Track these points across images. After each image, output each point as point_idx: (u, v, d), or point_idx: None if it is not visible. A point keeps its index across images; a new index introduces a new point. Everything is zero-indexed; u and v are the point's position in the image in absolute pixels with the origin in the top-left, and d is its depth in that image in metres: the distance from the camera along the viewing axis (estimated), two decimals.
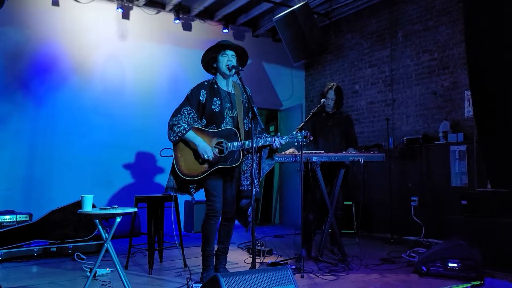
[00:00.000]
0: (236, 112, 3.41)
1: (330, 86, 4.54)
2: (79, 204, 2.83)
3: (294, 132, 3.50)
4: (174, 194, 3.41)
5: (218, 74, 3.47)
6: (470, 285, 3.28)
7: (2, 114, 5.47)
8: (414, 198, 5.56)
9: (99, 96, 6.10)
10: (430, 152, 5.51)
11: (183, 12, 6.69)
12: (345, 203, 5.47)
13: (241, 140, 3.33)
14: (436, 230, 5.23)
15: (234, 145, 3.29)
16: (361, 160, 4.15)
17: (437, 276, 3.54)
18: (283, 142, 3.40)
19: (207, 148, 3.25)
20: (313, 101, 7.68)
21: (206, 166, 3.28)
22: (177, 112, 3.32)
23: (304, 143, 3.56)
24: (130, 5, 6.42)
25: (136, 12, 6.49)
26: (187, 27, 6.90)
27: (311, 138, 3.57)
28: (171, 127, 3.29)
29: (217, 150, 3.29)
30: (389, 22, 6.46)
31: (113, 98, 6.20)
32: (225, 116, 3.37)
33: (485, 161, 4.52)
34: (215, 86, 3.42)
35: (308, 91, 7.98)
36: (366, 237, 5.81)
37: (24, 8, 5.70)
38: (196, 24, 6.98)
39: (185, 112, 3.30)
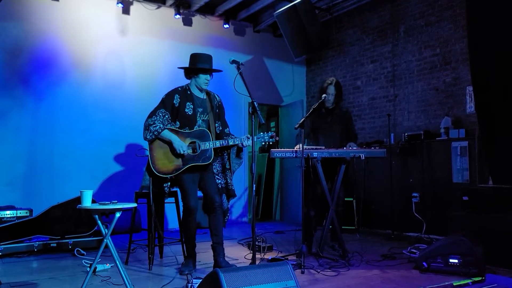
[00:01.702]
0: (207, 116, 3.67)
1: (329, 82, 4.51)
2: (79, 199, 2.82)
3: (261, 133, 3.69)
4: (149, 192, 3.69)
5: (193, 83, 3.69)
6: (471, 281, 3.26)
7: (2, 109, 5.45)
8: (415, 194, 5.55)
9: (100, 92, 6.07)
10: (431, 148, 5.49)
11: (183, 7, 6.65)
12: (346, 199, 5.46)
13: (212, 141, 3.57)
14: (437, 226, 5.22)
15: (206, 145, 3.53)
16: (362, 156, 4.14)
17: (438, 272, 3.53)
18: (250, 141, 3.57)
19: (182, 143, 3.50)
20: (314, 97, 7.65)
21: (180, 164, 3.50)
22: (152, 114, 3.58)
23: (271, 143, 3.73)
24: (130, 0, 6.39)
25: (136, 7, 6.45)
26: (187, 22, 6.87)
27: (277, 139, 3.79)
28: (147, 127, 3.55)
29: (190, 149, 3.53)
30: (391, 17, 6.42)
31: (114, 93, 6.17)
32: (198, 119, 3.62)
33: (487, 157, 4.50)
34: (188, 92, 3.67)
35: (309, 87, 7.94)
36: (367, 233, 5.80)
37: (24, 3, 5.66)
38: (197, 19, 6.94)
39: (160, 114, 3.56)
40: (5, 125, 5.45)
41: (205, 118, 3.66)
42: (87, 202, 2.78)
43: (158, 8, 6.60)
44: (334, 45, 7.32)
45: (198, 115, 3.63)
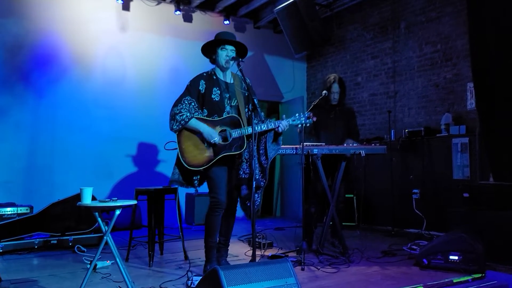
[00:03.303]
0: (236, 101, 3.42)
1: (332, 80, 4.47)
2: (79, 196, 2.81)
3: (297, 114, 3.46)
4: (178, 186, 3.41)
5: (216, 66, 3.47)
6: (471, 277, 3.27)
7: (2, 106, 5.45)
8: (415, 191, 5.54)
9: (100, 88, 6.07)
10: (432, 144, 5.48)
11: (183, 3, 6.64)
12: (346, 195, 5.46)
13: (244, 127, 3.31)
14: (437, 222, 5.22)
15: (237, 132, 3.29)
16: (363, 153, 4.13)
17: (438, 269, 3.53)
18: (287, 123, 3.37)
19: (212, 131, 3.25)
20: (315, 94, 7.64)
21: (211, 155, 3.26)
22: (177, 102, 3.30)
23: (308, 124, 3.49)
24: None
25: (136, 4, 6.44)
26: (187, 18, 6.85)
27: (315, 119, 3.49)
28: (173, 116, 3.27)
29: (221, 138, 3.28)
30: (391, 13, 6.39)
31: (114, 90, 6.17)
32: (226, 106, 3.38)
33: (488, 154, 4.49)
34: (214, 77, 3.43)
35: (310, 83, 7.93)
36: (367, 230, 5.81)
37: (24, 0, 5.65)
38: (197, 15, 6.92)
39: (186, 102, 3.29)
40: (6, 122, 5.46)
41: (234, 104, 3.40)
42: (87, 200, 2.77)
43: (158, 4, 6.59)
44: (335, 41, 7.30)
45: (226, 101, 3.37)
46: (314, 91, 7.74)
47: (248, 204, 3.43)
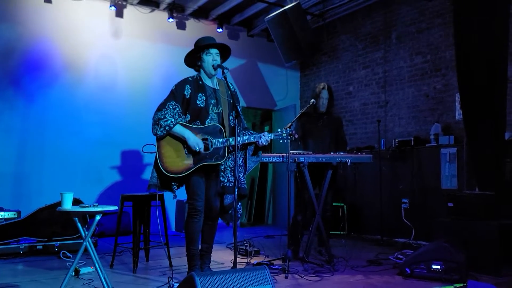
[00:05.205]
0: (221, 108, 3.40)
1: (322, 86, 4.53)
2: None
3: (279, 130, 3.49)
4: (157, 191, 3.38)
5: (202, 71, 3.47)
6: (453, 287, 3.27)
7: None
8: (404, 200, 5.56)
9: (92, 94, 6.09)
10: (421, 154, 5.50)
11: (177, 11, 6.69)
12: (335, 204, 5.46)
13: (226, 137, 3.31)
14: (426, 232, 5.22)
15: (219, 142, 3.28)
16: (348, 161, 4.15)
17: (421, 278, 3.53)
18: (268, 139, 3.39)
19: (197, 140, 3.23)
20: (308, 102, 7.66)
21: (190, 163, 3.25)
22: (162, 107, 3.27)
23: (289, 141, 3.53)
24: (124, 3, 6.41)
25: (129, 11, 6.48)
26: (181, 26, 6.89)
27: (296, 136, 3.55)
28: (156, 121, 3.23)
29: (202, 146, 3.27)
30: (383, 24, 6.45)
31: (106, 96, 6.19)
32: (210, 112, 3.35)
33: (474, 164, 4.51)
34: (200, 82, 3.41)
35: (303, 92, 7.97)
36: (356, 239, 5.81)
37: (17, 5, 5.69)
38: (190, 23, 6.97)
39: (170, 107, 3.26)
40: None
41: (218, 111, 3.37)
42: (67, 205, 2.78)
43: (151, 11, 6.63)
44: (328, 51, 7.35)
45: (211, 107, 3.34)
46: (307, 99, 7.76)
47: (230, 212, 3.42)
